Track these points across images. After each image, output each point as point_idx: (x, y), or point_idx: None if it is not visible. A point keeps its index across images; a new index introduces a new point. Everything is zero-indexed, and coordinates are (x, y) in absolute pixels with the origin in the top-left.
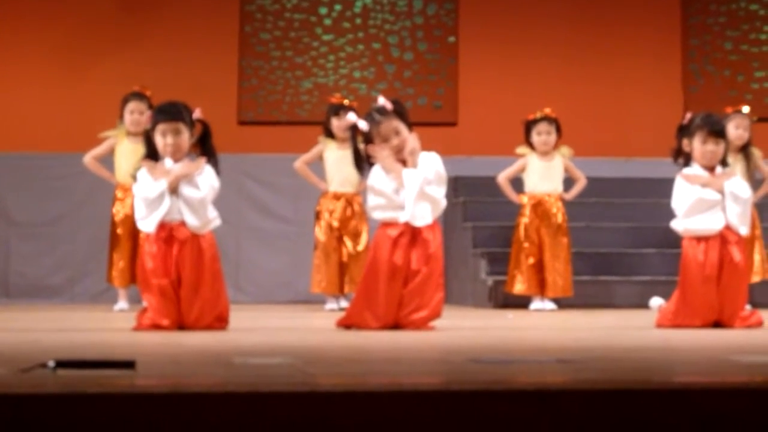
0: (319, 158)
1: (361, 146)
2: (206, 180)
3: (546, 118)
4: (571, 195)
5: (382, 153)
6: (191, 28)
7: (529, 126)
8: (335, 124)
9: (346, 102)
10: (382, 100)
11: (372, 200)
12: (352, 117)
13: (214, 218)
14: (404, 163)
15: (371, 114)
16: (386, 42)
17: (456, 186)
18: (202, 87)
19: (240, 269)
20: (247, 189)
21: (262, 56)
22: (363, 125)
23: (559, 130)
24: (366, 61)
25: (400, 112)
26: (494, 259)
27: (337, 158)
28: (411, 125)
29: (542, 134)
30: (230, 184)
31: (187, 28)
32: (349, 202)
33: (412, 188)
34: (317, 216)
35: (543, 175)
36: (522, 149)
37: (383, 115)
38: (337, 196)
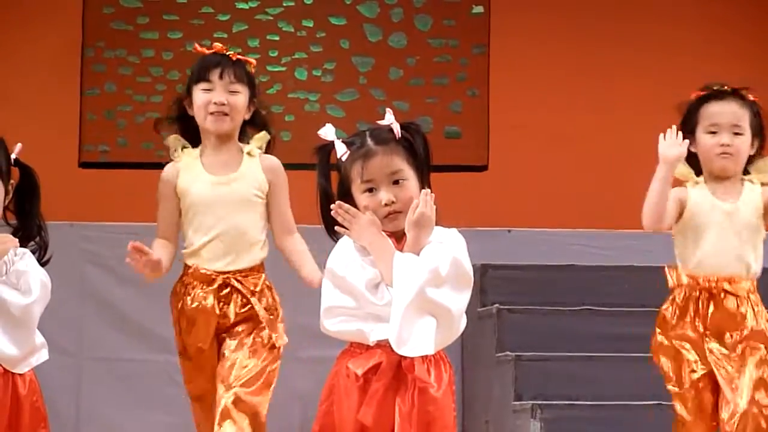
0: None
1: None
2: (35, 275)
3: (728, 92)
4: None
5: (358, 216)
6: None
7: (690, 113)
8: (200, 101)
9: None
10: (389, 117)
11: (330, 299)
12: (328, 133)
13: (40, 345)
14: (399, 239)
15: (359, 137)
16: (356, 14)
17: (484, 284)
18: (14, 101)
19: None
20: (98, 287)
21: (120, 39)
22: (341, 150)
23: (761, 123)
24: (318, 52)
25: (410, 148)
26: (559, 422)
27: (205, 188)
28: (428, 173)
29: (723, 131)
30: (66, 277)
31: None
32: (235, 290)
33: (405, 287)
34: (175, 326)
35: (723, 232)
36: (682, 170)
37: (380, 144)
38: (207, 278)
